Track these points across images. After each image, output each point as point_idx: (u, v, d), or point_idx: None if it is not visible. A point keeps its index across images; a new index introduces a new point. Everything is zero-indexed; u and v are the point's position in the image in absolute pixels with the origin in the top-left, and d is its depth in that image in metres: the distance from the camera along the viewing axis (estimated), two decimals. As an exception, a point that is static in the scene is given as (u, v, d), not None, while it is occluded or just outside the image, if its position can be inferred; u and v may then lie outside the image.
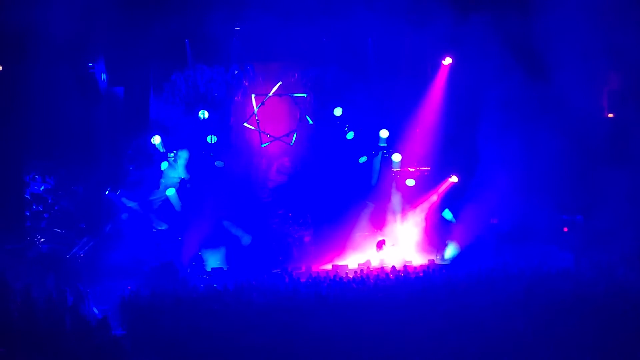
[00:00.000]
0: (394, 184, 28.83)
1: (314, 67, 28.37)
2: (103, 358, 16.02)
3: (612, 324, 16.61)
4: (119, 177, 26.87)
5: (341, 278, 22.79)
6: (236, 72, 28.24)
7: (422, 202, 28.54)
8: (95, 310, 21.21)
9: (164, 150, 27.47)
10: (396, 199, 28.75)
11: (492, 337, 16.62)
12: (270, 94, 28.12)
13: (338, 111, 28.28)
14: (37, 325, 16.54)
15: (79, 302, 19.51)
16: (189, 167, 27.80)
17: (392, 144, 28.61)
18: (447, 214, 28.09)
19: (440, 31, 25.76)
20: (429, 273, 23.18)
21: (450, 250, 27.21)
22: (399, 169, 28.79)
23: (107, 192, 26.69)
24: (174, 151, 27.66)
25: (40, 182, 26.39)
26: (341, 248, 27.51)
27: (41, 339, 15.89)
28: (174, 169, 27.57)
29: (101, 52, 26.66)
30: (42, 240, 25.84)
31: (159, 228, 27.18)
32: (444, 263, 26.58)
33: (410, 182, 28.69)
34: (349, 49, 27.98)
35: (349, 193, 28.28)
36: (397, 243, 27.84)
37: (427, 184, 28.71)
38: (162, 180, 27.51)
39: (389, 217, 28.56)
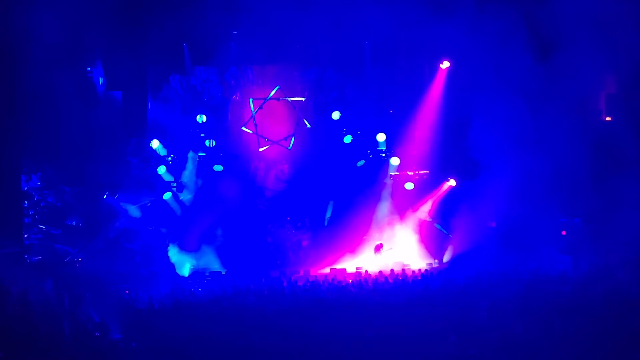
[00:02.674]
0: (389, 187, 28.87)
1: (312, 71, 28.40)
2: (101, 362, 16.04)
3: (611, 327, 16.59)
4: (117, 180, 26.86)
5: (339, 281, 22.79)
6: (233, 74, 28.25)
7: (420, 206, 28.54)
8: (94, 315, 21.16)
9: (165, 154, 27.51)
10: (394, 203, 28.75)
11: (491, 340, 16.59)
12: (268, 97, 28.13)
13: (336, 115, 28.30)
14: (35, 329, 16.49)
15: (77, 306, 19.45)
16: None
17: (390, 148, 28.61)
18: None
19: (437, 35, 25.79)
20: (427, 277, 23.19)
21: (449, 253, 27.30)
22: (397, 173, 28.79)
23: (105, 196, 26.71)
24: (172, 155, 27.69)
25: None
26: (339, 252, 27.51)
27: (39, 343, 15.86)
28: (169, 173, 27.61)
29: (99, 56, 26.71)
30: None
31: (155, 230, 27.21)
32: (442, 267, 26.59)
33: (409, 186, 28.68)
34: (347, 52, 28.00)
35: (346, 197, 28.28)
36: (395, 247, 27.85)
37: (425, 188, 28.71)
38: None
39: (387, 221, 28.54)
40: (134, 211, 26.92)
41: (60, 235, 26.29)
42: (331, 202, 28.51)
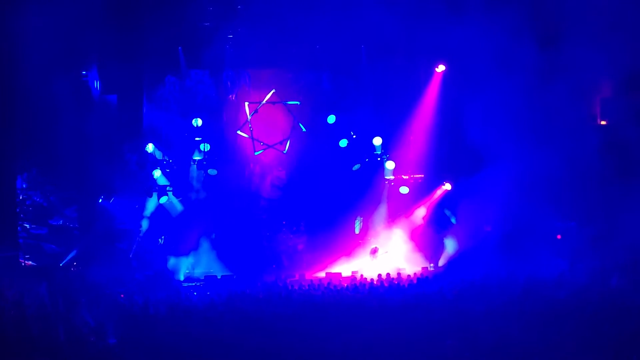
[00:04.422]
0: (385, 192, 28.88)
1: (308, 75, 28.39)
2: (97, 367, 16.02)
3: (607, 331, 16.62)
4: (113, 184, 26.81)
5: (335, 285, 22.77)
6: (229, 75, 28.26)
7: (415, 210, 28.54)
8: (89, 319, 21.12)
9: (160, 157, 27.48)
10: (389, 207, 28.74)
11: (487, 344, 16.60)
12: (264, 101, 28.13)
13: (331, 119, 28.32)
14: (30, 334, 16.48)
15: (72, 310, 19.43)
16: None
17: (386, 152, 28.62)
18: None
19: (434, 38, 25.79)
20: (423, 280, 23.19)
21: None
22: (393, 177, 28.79)
23: (100, 200, 26.68)
24: (167, 158, 27.69)
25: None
26: (335, 256, 27.49)
27: (34, 348, 15.84)
28: (165, 177, 27.59)
29: (94, 60, 26.70)
30: None
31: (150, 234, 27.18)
32: (437, 270, 26.61)
33: (404, 190, 28.67)
34: (343, 56, 28.00)
35: (342, 200, 28.28)
36: (390, 250, 27.83)
37: (420, 192, 28.71)
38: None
39: (382, 225, 28.54)
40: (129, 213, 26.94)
41: (47, 235, 26.31)
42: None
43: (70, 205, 26.82)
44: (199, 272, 26.86)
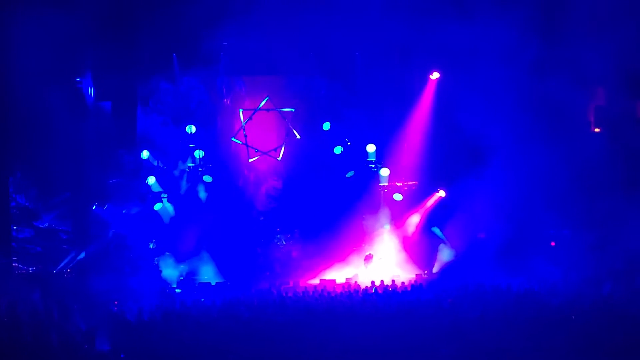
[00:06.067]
0: (379, 199, 28.89)
1: (302, 82, 28.39)
2: (90, 374, 15.97)
3: (600, 339, 16.64)
4: (106, 191, 26.78)
5: (329, 292, 22.75)
6: (224, 82, 28.27)
7: (409, 217, 28.55)
8: (82, 326, 21.07)
9: (155, 164, 27.46)
10: (384, 214, 28.74)
11: (480, 352, 16.61)
12: (258, 108, 28.12)
13: (326, 126, 28.33)
14: (23, 341, 16.42)
15: (66, 317, 19.37)
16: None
17: (380, 159, 28.63)
18: (437, 231, 28.11)
19: (429, 45, 25.84)
20: (417, 288, 23.18)
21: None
22: (387, 184, 28.81)
23: (94, 207, 26.64)
24: (161, 164, 27.66)
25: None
26: (329, 263, 27.47)
27: (27, 355, 15.78)
28: (159, 184, 27.56)
29: (89, 67, 26.71)
30: None
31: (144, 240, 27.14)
32: (431, 278, 26.61)
33: (398, 197, 28.68)
34: (337, 63, 28.04)
35: (336, 207, 28.26)
36: (384, 257, 27.82)
37: (414, 199, 28.72)
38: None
39: (377, 232, 28.53)
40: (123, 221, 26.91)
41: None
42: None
43: (60, 209, 26.76)
44: (193, 279, 26.79)
